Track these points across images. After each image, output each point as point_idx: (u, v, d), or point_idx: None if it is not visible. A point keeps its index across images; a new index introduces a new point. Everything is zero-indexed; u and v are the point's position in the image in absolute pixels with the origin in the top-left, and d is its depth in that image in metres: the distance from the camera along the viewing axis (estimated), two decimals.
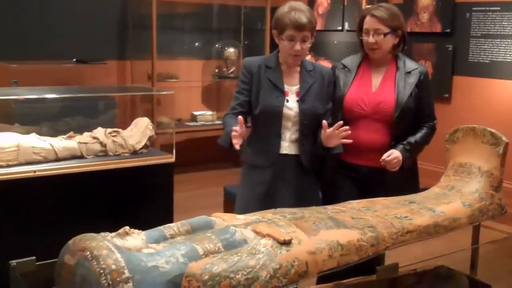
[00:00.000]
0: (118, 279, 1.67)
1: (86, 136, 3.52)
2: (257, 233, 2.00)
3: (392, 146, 2.82)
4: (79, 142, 3.44)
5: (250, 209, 2.43)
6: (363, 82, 2.91)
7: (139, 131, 3.70)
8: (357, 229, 2.20)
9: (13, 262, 1.94)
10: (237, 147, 2.52)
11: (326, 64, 4.76)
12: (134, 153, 3.61)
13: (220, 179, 5.26)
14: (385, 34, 2.81)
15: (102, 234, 1.89)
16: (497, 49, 4.99)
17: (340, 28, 6.21)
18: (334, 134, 2.64)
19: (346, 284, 2.61)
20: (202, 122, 6.45)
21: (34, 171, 3.19)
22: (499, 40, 4.97)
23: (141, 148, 3.64)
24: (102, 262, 1.70)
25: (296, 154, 2.79)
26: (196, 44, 6.66)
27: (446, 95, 5.37)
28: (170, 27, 6.24)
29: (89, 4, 5.78)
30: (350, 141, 2.64)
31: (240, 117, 2.57)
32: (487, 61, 5.07)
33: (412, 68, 2.90)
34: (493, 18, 5.00)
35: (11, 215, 3.11)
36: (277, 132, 2.76)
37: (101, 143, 3.50)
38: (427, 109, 2.92)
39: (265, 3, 6.56)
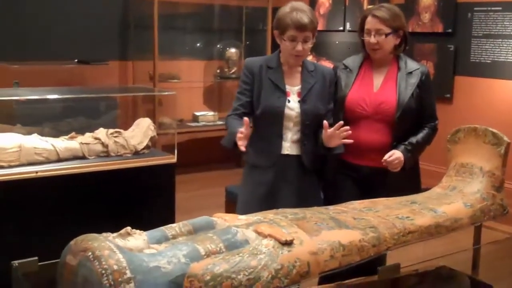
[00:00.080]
0: (120, 279, 1.67)
1: (88, 137, 3.53)
2: (259, 233, 2.01)
3: (394, 146, 2.82)
4: (81, 143, 3.44)
5: (251, 209, 2.43)
6: (364, 82, 2.91)
7: (140, 131, 3.70)
8: (358, 229, 2.20)
9: (15, 262, 1.94)
10: (243, 148, 2.53)
11: (327, 64, 4.75)
12: (136, 153, 3.61)
13: (222, 180, 5.27)
14: (386, 35, 2.81)
15: (104, 234, 1.89)
16: (499, 49, 4.98)
17: (341, 28, 6.21)
18: (335, 134, 2.64)
19: (348, 284, 2.61)
20: (203, 123, 6.45)
21: (36, 172, 3.19)
22: (500, 40, 4.97)
23: (143, 149, 3.64)
24: (104, 263, 1.70)
25: (298, 155, 2.79)
26: (198, 44, 6.67)
27: (448, 95, 5.37)
28: (171, 28, 6.25)
29: (91, 4, 5.79)
30: (351, 141, 2.65)
31: (246, 118, 2.58)
32: (488, 61, 5.07)
33: (414, 68, 2.90)
34: (495, 18, 5.00)
35: (13, 215, 3.11)
36: (279, 132, 2.76)
37: (103, 143, 3.50)
38: (428, 109, 2.92)
39: (267, 4, 6.57)
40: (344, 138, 2.63)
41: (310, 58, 4.98)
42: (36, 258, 1.98)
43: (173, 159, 3.67)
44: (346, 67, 2.96)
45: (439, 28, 5.42)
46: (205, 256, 1.84)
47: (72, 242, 1.86)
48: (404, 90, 2.84)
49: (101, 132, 3.57)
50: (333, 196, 2.88)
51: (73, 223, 2.94)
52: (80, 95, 4.24)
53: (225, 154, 6.22)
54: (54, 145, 3.35)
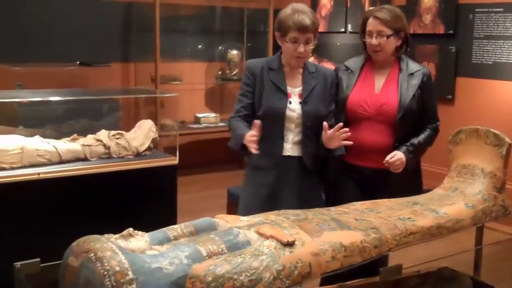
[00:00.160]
0: (122, 280, 1.67)
1: (89, 139, 3.53)
2: (261, 234, 2.01)
3: (396, 147, 2.83)
4: (83, 145, 3.45)
5: (253, 210, 2.43)
6: (366, 83, 2.91)
7: (142, 133, 3.71)
8: (360, 230, 2.20)
9: (18, 264, 1.95)
10: (255, 151, 2.55)
11: (329, 66, 4.76)
12: (138, 155, 3.62)
13: (224, 181, 5.27)
14: (388, 36, 2.82)
15: (106, 235, 1.89)
16: (500, 50, 4.98)
17: (343, 30, 6.21)
18: (334, 136, 2.64)
19: (350, 285, 2.61)
20: (205, 124, 6.46)
21: (38, 174, 3.20)
22: (502, 41, 4.97)
23: (145, 150, 3.65)
24: (106, 264, 1.70)
25: (299, 156, 2.79)
26: (199, 46, 6.68)
27: (449, 97, 5.36)
28: (173, 30, 6.25)
29: (93, 6, 5.80)
30: (350, 142, 2.65)
31: (257, 121, 2.60)
32: (490, 62, 5.07)
33: (415, 69, 2.90)
34: (496, 19, 5.00)
35: (15, 217, 3.12)
36: (280, 134, 2.77)
37: (104, 145, 3.51)
38: (430, 110, 2.92)
39: (268, 5, 6.57)
40: (344, 140, 2.64)
41: (311, 59, 4.99)
42: (38, 259, 1.99)
43: (175, 160, 3.67)
44: (347, 68, 2.96)
45: (441, 30, 5.42)
46: (207, 257, 1.84)
47: (74, 244, 1.86)
48: (406, 91, 2.84)
49: (103, 134, 3.58)
50: (334, 197, 2.89)
51: (75, 224, 2.94)
52: (82, 97, 4.25)
53: (227, 155, 6.24)
54: (56, 147, 3.35)
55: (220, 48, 6.71)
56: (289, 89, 2.78)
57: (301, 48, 2.69)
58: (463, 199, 2.62)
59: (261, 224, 2.11)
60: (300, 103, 2.77)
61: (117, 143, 3.55)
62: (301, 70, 2.82)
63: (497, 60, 5.01)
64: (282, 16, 2.73)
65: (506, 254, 4.18)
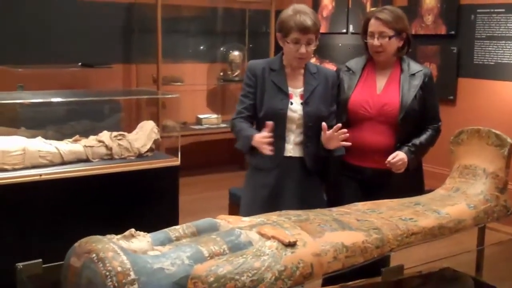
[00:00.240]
0: (124, 281, 1.68)
1: (91, 140, 3.54)
2: (262, 235, 2.01)
3: (397, 148, 2.83)
4: (85, 146, 3.45)
5: (254, 211, 2.43)
6: (367, 84, 2.91)
7: (144, 134, 3.71)
8: (362, 231, 2.20)
9: (20, 264, 1.95)
10: (269, 152, 2.57)
11: (330, 66, 4.76)
12: (140, 156, 3.62)
13: (225, 182, 5.27)
14: (389, 37, 2.82)
15: (108, 236, 1.90)
16: (502, 51, 4.98)
17: (344, 30, 6.21)
18: (333, 136, 2.65)
19: (351, 286, 2.61)
20: (207, 125, 6.46)
21: (40, 175, 3.21)
22: (504, 42, 4.96)
23: (147, 152, 3.66)
24: (108, 264, 1.70)
25: (301, 157, 2.79)
26: (201, 47, 6.68)
27: (451, 97, 5.36)
28: (175, 31, 6.26)
29: (94, 8, 5.80)
30: (349, 143, 2.65)
31: (270, 122, 2.61)
32: (492, 63, 5.06)
33: (417, 70, 2.90)
34: (498, 20, 4.99)
35: (17, 218, 3.12)
36: (282, 134, 2.77)
37: (106, 146, 3.51)
38: (431, 111, 2.92)
39: (270, 6, 6.58)
40: (343, 140, 2.64)
41: (313, 60, 5.00)
42: (40, 260, 1.99)
43: (176, 161, 3.68)
44: (349, 69, 2.96)
45: (442, 30, 5.42)
46: (208, 258, 1.84)
47: (76, 244, 1.86)
48: (407, 92, 2.84)
49: (105, 135, 3.58)
50: (336, 197, 2.89)
51: (77, 225, 2.95)
52: (84, 98, 4.26)
53: (229, 156, 6.25)
54: (58, 148, 3.36)
55: (221, 49, 6.72)
56: (291, 90, 2.79)
57: (303, 49, 2.69)
58: (465, 199, 2.62)
59: (262, 225, 2.11)
60: (301, 104, 2.77)
61: (119, 144, 3.55)
62: (302, 71, 2.82)
63: (499, 61, 5.01)
64: (283, 17, 2.73)
65: (508, 254, 4.17)
